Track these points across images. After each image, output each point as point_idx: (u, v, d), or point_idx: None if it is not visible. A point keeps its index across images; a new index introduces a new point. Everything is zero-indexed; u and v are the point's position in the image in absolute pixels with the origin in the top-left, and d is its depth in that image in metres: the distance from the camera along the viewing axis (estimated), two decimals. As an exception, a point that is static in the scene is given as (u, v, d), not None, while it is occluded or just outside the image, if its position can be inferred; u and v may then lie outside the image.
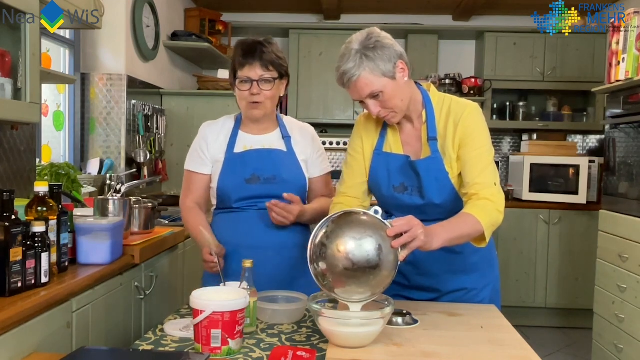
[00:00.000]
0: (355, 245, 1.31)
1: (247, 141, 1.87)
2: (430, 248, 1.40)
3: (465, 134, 1.61)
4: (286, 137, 1.90)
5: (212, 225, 1.91)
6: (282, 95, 1.88)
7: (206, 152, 1.88)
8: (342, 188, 1.80)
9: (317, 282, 1.37)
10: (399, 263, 1.34)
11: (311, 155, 1.92)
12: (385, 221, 1.37)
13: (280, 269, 1.83)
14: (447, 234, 1.44)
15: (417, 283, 1.78)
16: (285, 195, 1.76)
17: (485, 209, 1.52)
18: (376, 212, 1.39)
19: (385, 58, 1.53)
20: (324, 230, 1.37)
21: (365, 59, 1.52)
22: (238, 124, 1.91)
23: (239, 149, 1.86)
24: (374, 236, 1.33)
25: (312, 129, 1.99)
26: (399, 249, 1.34)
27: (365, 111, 1.74)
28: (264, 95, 1.79)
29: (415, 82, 1.71)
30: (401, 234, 1.34)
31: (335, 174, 1.95)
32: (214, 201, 1.93)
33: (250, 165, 1.83)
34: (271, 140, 1.89)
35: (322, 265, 1.34)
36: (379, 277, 1.33)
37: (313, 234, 1.39)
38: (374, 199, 1.83)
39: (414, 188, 1.68)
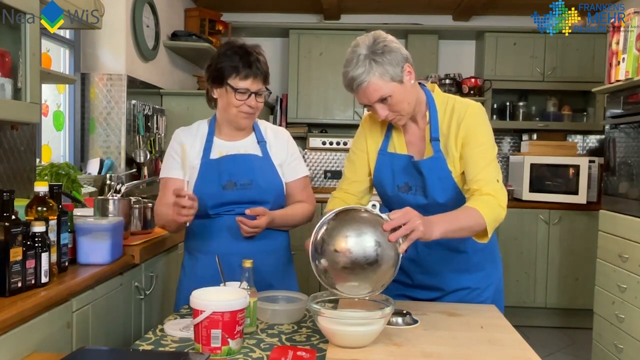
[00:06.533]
0: (355, 242, 1.33)
1: (223, 147, 1.84)
2: (430, 238, 1.40)
3: (468, 132, 1.62)
4: (261, 142, 1.87)
5: (188, 232, 1.88)
6: None
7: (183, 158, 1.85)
8: (343, 184, 1.82)
9: (319, 279, 1.38)
10: (401, 256, 1.35)
11: (286, 159, 1.89)
12: (383, 215, 1.38)
13: (257, 274, 1.79)
14: (448, 225, 1.44)
15: (420, 282, 1.79)
16: (247, 211, 1.71)
17: (488, 204, 1.52)
18: (374, 206, 1.41)
19: (394, 62, 1.53)
20: (324, 228, 1.39)
21: (375, 64, 1.52)
22: (212, 129, 1.87)
23: (214, 155, 1.83)
24: (373, 232, 1.34)
25: (287, 133, 1.96)
26: (399, 241, 1.35)
27: (368, 112, 1.74)
28: (257, 107, 1.79)
29: (419, 83, 1.72)
30: (399, 227, 1.34)
31: (335, 174, 1.95)
32: None
33: (226, 171, 1.80)
34: (246, 145, 1.86)
35: (324, 262, 1.36)
36: (379, 272, 1.34)
37: (314, 231, 1.40)
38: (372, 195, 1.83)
39: (417, 188, 1.69)
